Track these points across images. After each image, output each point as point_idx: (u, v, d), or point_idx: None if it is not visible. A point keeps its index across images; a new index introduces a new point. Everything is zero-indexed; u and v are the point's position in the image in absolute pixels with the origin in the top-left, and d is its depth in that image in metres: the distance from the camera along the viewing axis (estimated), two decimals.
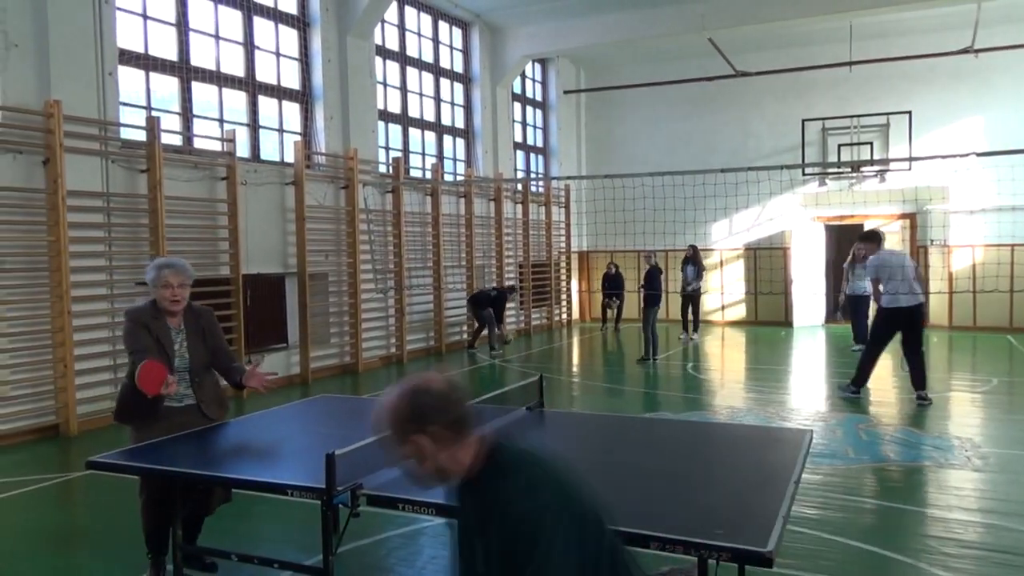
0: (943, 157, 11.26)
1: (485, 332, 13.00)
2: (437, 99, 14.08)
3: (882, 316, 8.25)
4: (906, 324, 8.04)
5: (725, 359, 12.60)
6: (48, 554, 4.54)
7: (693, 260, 14.11)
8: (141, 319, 3.91)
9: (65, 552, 4.59)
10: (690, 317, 14.23)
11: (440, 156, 14.08)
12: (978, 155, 10.82)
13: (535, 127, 17.44)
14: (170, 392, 3.79)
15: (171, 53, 9.16)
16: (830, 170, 15.96)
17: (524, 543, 1.72)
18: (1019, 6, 13.36)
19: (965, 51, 13.63)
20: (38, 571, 4.27)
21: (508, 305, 13.49)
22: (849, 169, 15.78)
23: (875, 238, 8.55)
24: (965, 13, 13.10)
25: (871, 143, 15.74)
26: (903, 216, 15.30)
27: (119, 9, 8.37)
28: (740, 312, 17.01)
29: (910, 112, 15.20)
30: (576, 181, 16.85)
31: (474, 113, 14.95)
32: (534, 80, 17.37)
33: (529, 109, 17.17)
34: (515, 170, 16.10)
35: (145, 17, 8.86)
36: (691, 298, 14.18)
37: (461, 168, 14.64)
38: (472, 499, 1.87)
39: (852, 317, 12.29)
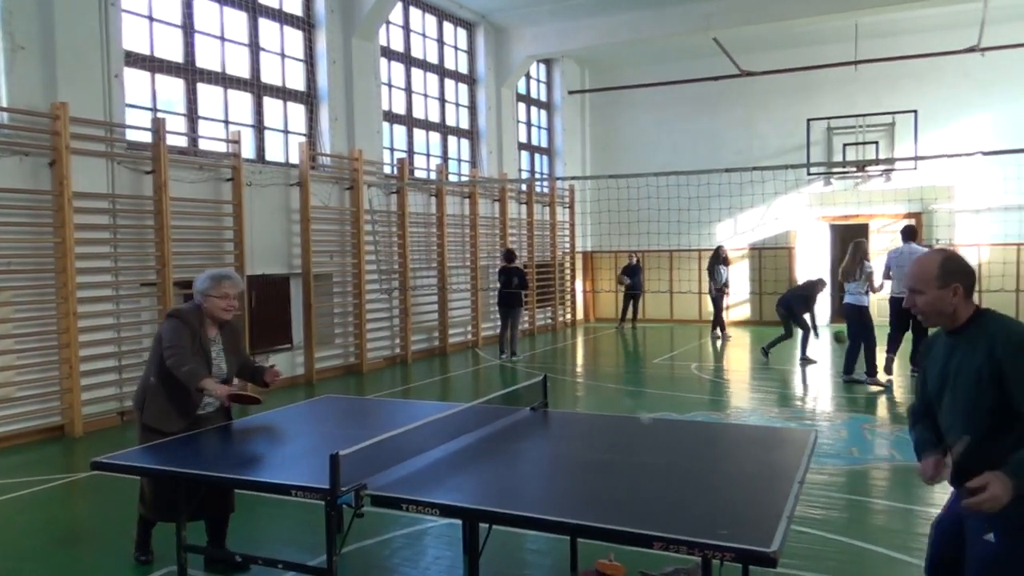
0: (949, 156, 11.23)
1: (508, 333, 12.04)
2: (442, 100, 14.09)
3: (891, 306, 9.30)
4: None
5: (730, 359, 12.56)
6: (53, 553, 4.56)
7: (725, 260, 14.28)
8: (190, 320, 3.95)
9: (70, 551, 4.61)
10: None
11: (445, 157, 14.09)
12: (984, 154, 10.79)
13: (540, 128, 17.44)
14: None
15: (177, 55, 9.18)
16: (835, 170, 15.93)
17: None
18: None
19: (971, 50, 13.57)
20: (44, 569, 4.29)
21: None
22: (854, 168, 15.74)
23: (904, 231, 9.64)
24: (971, 11, 13.04)
25: (876, 142, 15.71)
26: (908, 215, 15.23)
27: (125, 11, 8.40)
28: (744, 312, 16.98)
29: (916, 111, 15.17)
30: (580, 181, 16.84)
31: (479, 114, 14.96)
32: (539, 81, 17.37)
33: (534, 110, 17.17)
34: (520, 171, 16.09)
35: (151, 19, 8.89)
36: (721, 299, 14.47)
37: (466, 169, 14.65)
38: (966, 341, 2.55)
39: (854, 335, 9.36)
